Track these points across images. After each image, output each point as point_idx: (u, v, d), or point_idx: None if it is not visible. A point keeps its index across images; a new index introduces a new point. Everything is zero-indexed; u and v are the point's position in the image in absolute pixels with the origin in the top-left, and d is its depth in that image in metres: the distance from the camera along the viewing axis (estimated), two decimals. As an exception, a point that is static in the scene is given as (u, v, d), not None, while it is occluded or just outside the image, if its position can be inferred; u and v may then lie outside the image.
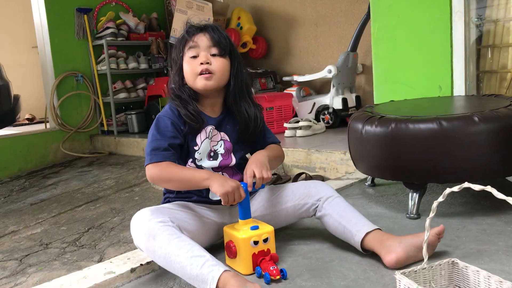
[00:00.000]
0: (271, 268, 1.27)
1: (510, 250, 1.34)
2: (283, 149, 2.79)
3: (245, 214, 1.35)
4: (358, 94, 3.80)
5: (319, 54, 4.22)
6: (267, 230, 1.34)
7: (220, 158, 1.48)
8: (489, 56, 2.38)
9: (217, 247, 1.53)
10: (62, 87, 4.49)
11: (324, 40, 4.17)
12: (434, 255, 1.33)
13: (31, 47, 6.33)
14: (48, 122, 4.72)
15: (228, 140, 1.51)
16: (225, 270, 1.16)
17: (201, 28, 1.46)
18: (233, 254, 1.34)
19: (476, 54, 2.36)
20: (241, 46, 4.38)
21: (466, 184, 0.97)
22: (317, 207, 1.47)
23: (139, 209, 1.37)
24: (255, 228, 1.33)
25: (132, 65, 4.64)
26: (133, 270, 1.37)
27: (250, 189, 1.37)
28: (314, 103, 3.74)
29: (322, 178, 2.57)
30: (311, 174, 2.65)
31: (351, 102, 3.65)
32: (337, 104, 3.58)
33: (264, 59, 4.65)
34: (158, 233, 1.25)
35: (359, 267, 1.31)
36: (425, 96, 2.36)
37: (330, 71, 3.57)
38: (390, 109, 1.88)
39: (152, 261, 1.36)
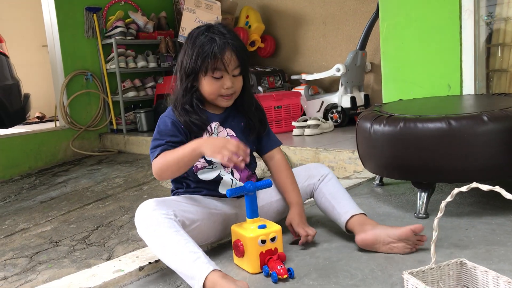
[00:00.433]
0: (278, 267, 1.27)
1: (519, 251, 1.33)
2: (291, 148, 2.80)
3: (253, 212, 1.35)
4: (367, 92, 3.79)
5: (328, 53, 4.21)
6: (274, 229, 1.34)
7: None
8: (499, 55, 2.36)
9: (225, 245, 1.53)
10: (71, 86, 4.52)
11: (333, 38, 4.16)
12: (442, 254, 1.33)
13: (41, 46, 6.38)
14: (58, 120, 4.75)
15: (234, 135, 1.52)
16: (214, 269, 1.18)
17: (225, 47, 1.39)
18: (241, 253, 1.34)
19: (485, 53, 2.34)
20: (250, 44, 4.38)
21: (474, 184, 0.96)
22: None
23: (151, 199, 1.39)
24: (262, 227, 1.33)
25: (141, 64, 4.66)
26: (141, 268, 1.38)
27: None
28: (323, 102, 3.73)
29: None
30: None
31: (360, 100, 3.63)
32: (346, 103, 3.57)
33: (273, 58, 4.64)
34: (158, 225, 1.28)
35: (366, 267, 1.31)
36: (434, 95, 2.34)
37: (338, 70, 3.57)
38: (399, 108, 1.88)
39: (160, 259, 1.37)
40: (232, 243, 1.38)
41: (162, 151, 1.38)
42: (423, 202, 1.68)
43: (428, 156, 1.59)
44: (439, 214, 1.05)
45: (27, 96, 4.35)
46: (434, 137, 1.57)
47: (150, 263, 1.40)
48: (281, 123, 3.60)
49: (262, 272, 1.32)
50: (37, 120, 6.32)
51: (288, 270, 1.27)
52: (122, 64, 4.53)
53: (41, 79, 6.33)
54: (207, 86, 1.43)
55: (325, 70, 3.79)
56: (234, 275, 1.30)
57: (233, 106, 1.53)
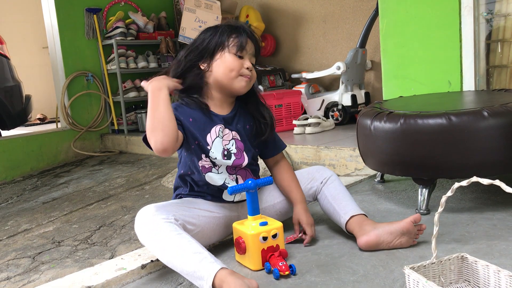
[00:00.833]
0: (280, 264, 1.27)
1: (520, 245, 1.33)
2: (292, 146, 2.81)
3: (254, 210, 1.36)
4: (367, 90, 3.79)
5: (328, 51, 4.22)
6: (276, 226, 1.35)
7: (233, 158, 1.49)
8: (499, 51, 2.36)
9: (227, 243, 1.54)
10: (72, 87, 4.53)
11: (333, 37, 4.16)
12: (443, 250, 1.33)
13: (41, 47, 6.40)
14: (59, 121, 4.76)
15: (239, 139, 1.51)
16: (222, 268, 1.17)
17: (249, 34, 1.45)
18: (243, 250, 1.35)
19: (485, 49, 2.34)
20: (250, 44, 4.37)
21: (474, 179, 0.97)
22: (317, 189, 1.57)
23: (151, 204, 1.38)
24: (264, 224, 1.33)
25: (141, 64, 4.67)
26: (143, 266, 1.39)
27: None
28: (323, 100, 3.73)
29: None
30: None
31: (360, 98, 3.64)
32: (346, 101, 3.57)
33: (273, 57, 4.65)
34: (160, 230, 1.27)
35: (368, 263, 1.31)
36: (434, 91, 2.34)
37: (339, 68, 3.57)
38: (399, 105, 1.88)
39: (166, 264, 1.36)
40: (234, 240, 1.39)
41: None
42: (424, 198, 1.68)
43: (429, 152, 1.59)
44: (440, 209, 1.05)
45: (28, 98, 4.37)
46: (434, 133, 1.57)
47: (152, 261, 1.40)
48: (282, 121, 3.61)
49: (264, 269, 1.32)
50: (38, 121, 6.34)
51: (290, 266, 1.28)
52: (123, 65, 4.54)
53: (42, 80, 6.35)
54: (229, 62, 1.42)
55: (325, 69, 3.79)
56: (236, 272, 1.30)
57: (241, 106, 1.52)
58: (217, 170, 1.47)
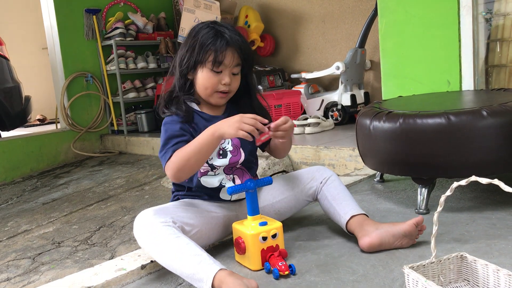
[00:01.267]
0: (279, 264, 1.27)
1: (520, 244, 1.33)
2: (292, 146, 2.80)
3: (254, 210, 1.36)
4: (367, 90, 3.79)
5: (327, 51, 4.22)
6: (275, 226, 1.35)
7: (229, 155, 1.49)
8: (498, 50, 2.36)
9: (226, 243, 1.54)
10: (72, 88, 4.53)
11: (332, 36, 4.16)
12: (443, 249, 1.34)
13: (41, 48, 6.40)
14: (59, 122, 4.76)
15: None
16: (221, 269, 1.17)
17: (230, 42, 1.39)
18: (242, 250, 1.35)
19: (485, 48, 2.35)
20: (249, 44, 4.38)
21: (473, 178, 0.97)
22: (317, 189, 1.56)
23: (149, 208, 1.38)
24: (263, 224, 1.33)
25: (141, 64, 4.67)
26: (143, 267, 1.39)
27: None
28: (323, 100, 3.73)
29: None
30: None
31: (360, 98, 3.64)
32: (346, 101, 3.57)
33: (272, 57, 4.65)
34: (158, 233, 1.27)
35: (368, 262, 1.31)
36: (433, 91, 2.35)
37: (338, 68, 3.57)
38: (398, 105, 1.88)
39: (165, 267, 1.36)
40: (234, 240, 1.39)
41: (173, 151, 1.35)
42: (423, 198, 1.68)
43: (428, 151, 1.59)
44: (439, 208, 1.05)
45: (28, 99, 4.37)
46: (433, 133, 1.57)
47: (152, 261, 1.40)
48: (282, 121, 3.60)
49: (263, 269, 1.32)
50: (38, 122, 6.34)
51: (290, 266, 1.28)
52: (122, 65, 4.54)
53: (41, 81, 6.35)
54: (205, 79, 1.41)
55: (324, 69, 3.79)
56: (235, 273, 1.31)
57: (235, 105, 1.52)
58: (214, 172, 1.48)
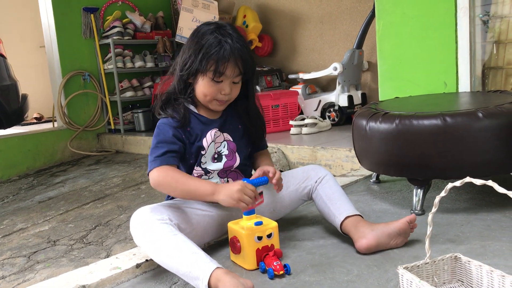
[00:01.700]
0: (274, 264, 1.28)
1: (514, 246, 1.34)
2: (289, 146, 2.81)
3: (249, 209, 1.36)
4: (364, 91, 3.79)
5: (325, 52, 4.22)
6: (271, 225, 1.35)
7: (224, 160, 1.49)
8: (495, 52, 2.37)
9: (222, 243, 1.54)
10: (69, 86, 4.52)
11: (330, 37, 4.17)
12: (437, 250, 1.34)
13: (38, 46, 6.38)
14: (55, 121, 4.75)
15: (231, 140, 1.51)
16: (217, 267, 1.17)
17: (232, 53, 1.36)
18: (237, 250, 1.35)
19: (481, 50, 2.35)
20: (247, 44, 4.37)
21: (467, 179, 0.97)
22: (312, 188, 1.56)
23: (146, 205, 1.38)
24: (259, 223, 1.33)
25: (138, 63, 4.67)
26: (138, 265, 1.39)
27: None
28: (320, 101, 3.74)
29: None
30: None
31: (357, 99, 3.64)
32: (343, 102, 3.58)
33: (270, 57, 4.65)
34: (155, 231, 1.27)
35: (362, 262, 1.32)
36: (430, 92, 2.35)
37: (335, 69, 3.57)
38: (395, 106, 1.88)
39: (161, 265, 1.35)
40: (229, 240, 1.39)
41: (166, 162, 1.36)
42: (419, 199, 1.69)
43: (424, 153, 1.60)
44: (433, 209, 1.06)
45: (24, 97, 4.35)
46: (429, 134, 1.57)
47: (147, 260, 1.40)
48: (279, 122, 3.61)
49: (258, 268, 1.32)
50: (35, 120, 6.32)
51: (285, 266, 1.28)
52: (120, 64, 4.53)
53: (39, 80, 6.33)
54: (205, 87, 1.40)
55: (322, 69, 3.79)
56: (230, 272, 1.31)
57: (231, 109, 1.51)
58: (208, 176, 1.48)
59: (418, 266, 1.08)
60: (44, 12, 4.50)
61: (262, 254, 1.33)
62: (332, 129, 3.52)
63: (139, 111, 4.56)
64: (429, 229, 1.08)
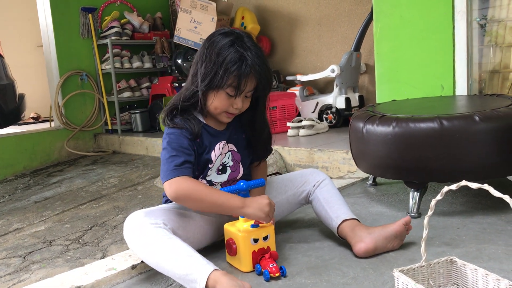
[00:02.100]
0: (270, 266, 1.28)
1: (509, 249, 1.34)
2: (286, 148, 2.82)
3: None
4: (362, 93, 3.80)
5: (323, 54, 4.23)
6: (267, 228, 1.35)
7: (229, 171, 1.48)
8: (492, 56, 2.38)
9: (217, 244, 1.54)
10: (66, 86, 4.52)
11: (328, 39, 4.17)
12: (433, 253, 1.34)
13: (36, 46, 6.36)
14: (52, 121, 4.74)
15: (236, 150, 1.50)
16: (215, 269, 1.17)
17: (253, 69, 1.33)
18: (233, 252, 1.35)
19: (478, 54, 2.36)
20: (245, 45, 4.37)
21: (463, 182, 0.97)
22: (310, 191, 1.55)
23: (142, 207, 1.38)
24: (255, 226, 1.33)
25: (136, 64, 4.66)
26: (134, 267, 1.39)
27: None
28: (317, 103, 3.74)
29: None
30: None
31: (354, 101, 3.65)
32: (340, 104, 3.58)
33: (268, 59, 4.59)
34: (149, 235, 1.26)
35: (358, 265, 1.32)
36: (427, 95, 2.36)
37: (333, 71, 3.58)
38: (392, 109, 1.89)
39: (156, 269, 1.31)
40: (225, 242, 1.39)
41: (183, 173, 1.31)
42: (415, 202, 1.69)
43: (420, 156, 1.60)
44: (429, 212, 1.06)
45: (22, 96, 4.34)
46: (426, 137, 1.58)
47: (142, 262, 1.40)
48: (276, 123, 3.61)
49: (254, 270, 1.32)
50: (32, 120, 6.31)
51: (280, 268, 1.28)
52: (117, 65, 4.53)
53: (36, 79, 6.32)
54: (218, 101, 1.37)
55: (320, 71, 3.80)
56: (226, 274, 1.30)
57: (236, 120, 1.49)
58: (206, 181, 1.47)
59: (414, 269, 1.08)
60: (42, 11, 4.49)
61: (258, 256, 1.33)
62: (330, 131, 3.52)
63: (137, 111, 4.55)
64: (425, 232, 1.08)
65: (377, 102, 2.58)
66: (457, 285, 1.10)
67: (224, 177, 1.47)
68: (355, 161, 1.96)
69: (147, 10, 5.00)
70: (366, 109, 1.95)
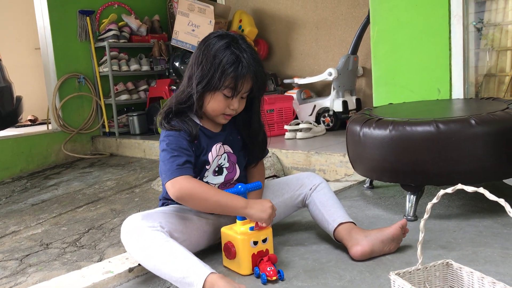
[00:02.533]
0: (268, 269, 1.28)
1: (505, 252, 1.35)
2: (283, 151, 2.82)
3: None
4: (359, 97, 3.81)
5: (320, 57, 4.24)
6: (265, 230, 1.35)
7: (225, 172, 1.48)
8: (488, 60, 2.39)
9: (213, 248, 1.54)
10: (64, 89, 4.51)
11: (325, 43, 4.19)
12: (429, 256, 1.35)
13: (34, 48, 6.35)
14: (50, 123, 4.74)
15: (232, 151, 1.50)
16: (211, 272, 1.17)
17: (249, 70, 1.35)
18: (232, 255, 1.34)
19: (475, 58, 2.37)
20: (243, 48, 4.38)
21: (459, 186, 0.98)
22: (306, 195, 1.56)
23: (140, 210, 1.37)
24: (253, 228, 1.33)
25: (134, 67, 4.66)
26: (131, 270, 1.39)
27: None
28: (315, 106, 3.75)
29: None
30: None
31: (352, 104, 3.66)
32: (338, 107, 3.59)
33: (265, 62, 4.66)
34: (146, 238, 1.26)
35: (355, 268, 1.32)
36: (424, 99, 2.37)
37: (330, 74, 3.59)
38: (388, 112, 1.89)
39: (153, 272, 1.31)
40: (223, 245, 1.39)
41: (186, 172, 1.31)
42: (412, 205, 1.69)
43: (417, 159, 1.61)
44: (425, 216, 1.06)
45: (19, 99, 4.34)
46: (422, 140, 1.58)
47: (139, 264, 1.40)
48: (274, 126, 3.62)
49: (253, 273, 1.32)
50: (29, 123, 6.29)
51: (278, 272, 1.28)
52: (115, 67, 4.53)
53: (33, 82, 6.31)
54: (215, 102, 1.38)
55: (317, 74, 3.81)
56: (223, 277, 1.30)
57: (232, 122, 1.50)
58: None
59: (410, 272, 1.08)
60: (40, 14, 4.49)
61: (257, 259, 1.33)
62: (327, 134, 3.53)
63: (134, 114, 4.55)
64: (421, 235, 1.08)
65: (374, 105, 2.59)
66: (453, 288, 1.10)
67: (220, 179, 1.48)
68: (352, 164, 1.96)
69: (145, 13, 5.01)
70: (363, 112, 1.96)
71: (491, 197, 0.91)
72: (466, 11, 2.27)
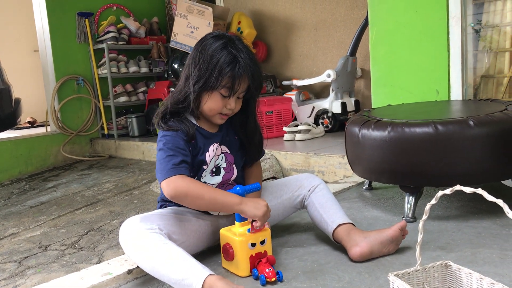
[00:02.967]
0: (266, 270, 1.28)
1: (504, 253, 1.35)
2: (282, 153, 2.82)
3: (242, 216, 1.36)
4: (357, 98, 3.81)
5: (319, 59, 4.24)
6: (264, 232, 1.35)
7: (222, 173, 1.48)
8: (486, 61, 2.39)
9: (212, 249, 1.54)
10: (63, 91, 4.51)
11: (324, 44, 4.19)
12: (428, 257, 1.35)
13: (32, 51, 6.36)
14: (49, 125, 4.74)
15: (229, 152, 1.50)
16: (210, 274, 1.17)
17: (246, 70, 1.36)
18: (231, 257, 1.35)
19: (473, 59, 2.38)
20: (241, 50, 4.38)
21: (458, 187, 0.98)
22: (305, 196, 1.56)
23: (138, 212, 1.38)
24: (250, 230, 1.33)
25: (132, 69, 4.67)
26: (130, 271, 1.39)
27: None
28: (314, 107, 3.75)
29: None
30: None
31: (350, 106, 3.66)
32: (336, 108, 3.59)
33: (264, 63, 4.66)
34: (145, 240, 1.26)
35: (354, 269, 1.32)
36: (422, 100, 2.37)
37: (329, 76, 3.59)
38: (387, 113, 1.90)
39: (152, 275, 1.31)
40: (221, 247, 1.39)
41: (181, 172, 1.31)
42: (410, 206, 1.69)
43: (415, 160, 1.61)
44: (424, 217, 1.06)
45: (18, 101, 4.34)
46: (421, 142, 1.58)
47: (138, 266, 1.40)
48: (272, 128, 3.62)
49: (251, 275, 1.32)
50: (28, 125, 6.29)
51: (277, 273, 1.28)
52: (114, 69, 4.53)
53: (32, 84, 6.31)
54: (212, 102, 1.39)
55: (316, 76, 3.81)
56: (222, 278, 1.30)
57: (228, 122, 1.50)
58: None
59: (409, 273, 1.08)
60: (39, 16, 4.49)
61: (256, 261, 1.33)
62: (326, 135, 3.53)
63: (133, 116, 4.55)
64: (420, 237, 1.08)
65: (372, 106, 2.59)
66: (452, 289, 1.10)
67: (218, 179, 1.48)
68: (350, 166, 1.96)
69: (144, 15, 5.01)
70: (361, 113, 1.96)
71: (490, 198, 0.91)
72: (465, 13, 2.28)
